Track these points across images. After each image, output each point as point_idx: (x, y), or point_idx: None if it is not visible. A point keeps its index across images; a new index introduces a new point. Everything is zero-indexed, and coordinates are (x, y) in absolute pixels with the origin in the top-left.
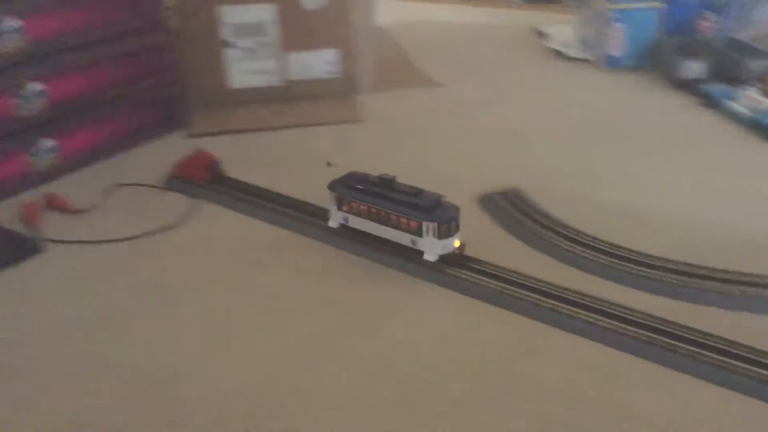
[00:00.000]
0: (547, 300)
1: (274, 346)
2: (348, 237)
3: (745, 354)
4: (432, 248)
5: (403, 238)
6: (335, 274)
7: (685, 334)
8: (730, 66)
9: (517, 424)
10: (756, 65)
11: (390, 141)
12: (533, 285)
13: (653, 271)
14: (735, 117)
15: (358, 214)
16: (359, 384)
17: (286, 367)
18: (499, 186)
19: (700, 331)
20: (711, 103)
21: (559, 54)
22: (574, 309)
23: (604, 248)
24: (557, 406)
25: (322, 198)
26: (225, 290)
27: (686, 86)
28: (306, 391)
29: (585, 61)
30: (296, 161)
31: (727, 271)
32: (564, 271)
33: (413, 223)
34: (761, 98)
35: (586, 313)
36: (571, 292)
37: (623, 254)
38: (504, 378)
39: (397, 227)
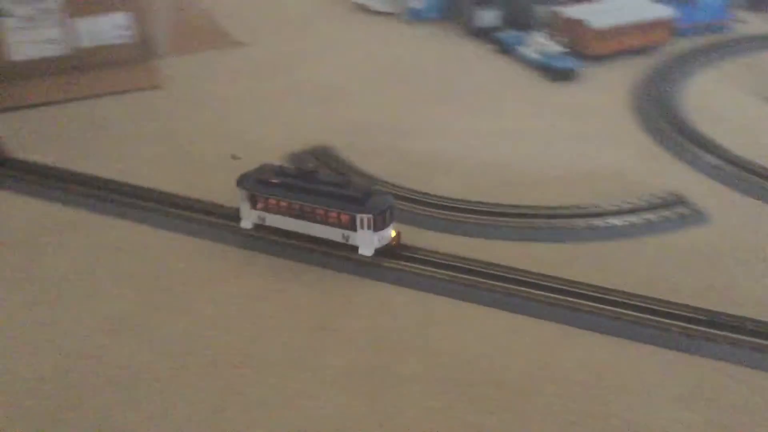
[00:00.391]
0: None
1: (68, 333)
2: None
3: (537, 282)
4: (368, 242)
5: (334, 234)
6: (140, 252)
7: (485, 270)
8: (520, 13)
9: (326, 374)
10: (543, 11)
11: (193, 105)
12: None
13: (455, 213)
14: (526, 61)
15: (277, 211)
16: (163, 363)
17: (82, 353)
18: (308, 144)
19: (498, 266)
20: (505, 49)
21: (363, 8)
22: (386, 259)
23: (409, 196)
24: (368, 354)
25: (125, 173)
26: (8, 280)
27: (482, 35)
28: (104, 375)
29: (389, 14)
30: (90, 135)
31: (519, 206)
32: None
33: (345, 217)
34: (548, 42)
35: (397, 262)
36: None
37: (427, 200)
38: (318, 334)
39: (326, 223)
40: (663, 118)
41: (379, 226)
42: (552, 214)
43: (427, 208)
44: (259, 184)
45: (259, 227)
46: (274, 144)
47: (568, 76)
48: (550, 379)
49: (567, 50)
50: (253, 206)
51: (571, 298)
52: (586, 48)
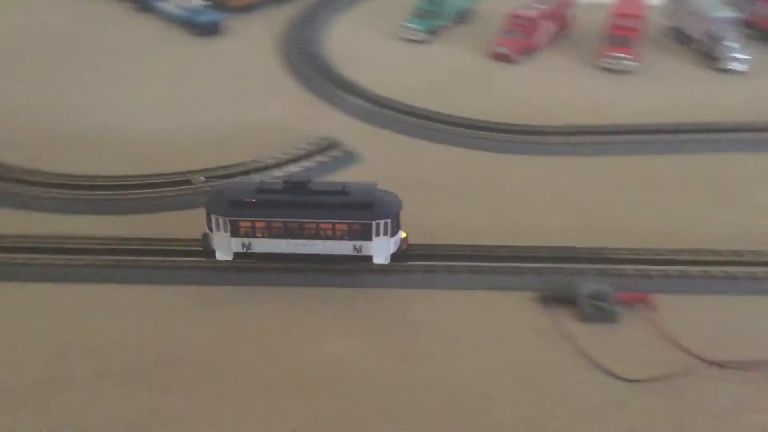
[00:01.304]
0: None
1: None
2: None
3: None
4: (384, 249)
5: (343, 248)
6: None
7: (150, 247)
8: None
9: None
10: None
11: None
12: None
13: (113, 192)
14: (168, 17)
15: (267, 234)
16: None
17: None
18: None
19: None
20: (143, 6)
21: None
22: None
23: (61, 182)
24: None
25: None
26: None
27: None
28: None
29: None
30: None
31: (174, 174)
32: (25, 218)
33: (357, 227)
34: None
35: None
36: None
37: (84, 183)
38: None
39: (332, 237)
40: (309, 66)
41: (394, 230)
42: (212, 176)
43: (88, 192)
44: (238, 206)
45: (241, 256)
46: None
47: (213, 30)
48: (251, 338)
49: (208, 3)
50: (235, 234)
51: (243, 260)
52: (226, 0)
